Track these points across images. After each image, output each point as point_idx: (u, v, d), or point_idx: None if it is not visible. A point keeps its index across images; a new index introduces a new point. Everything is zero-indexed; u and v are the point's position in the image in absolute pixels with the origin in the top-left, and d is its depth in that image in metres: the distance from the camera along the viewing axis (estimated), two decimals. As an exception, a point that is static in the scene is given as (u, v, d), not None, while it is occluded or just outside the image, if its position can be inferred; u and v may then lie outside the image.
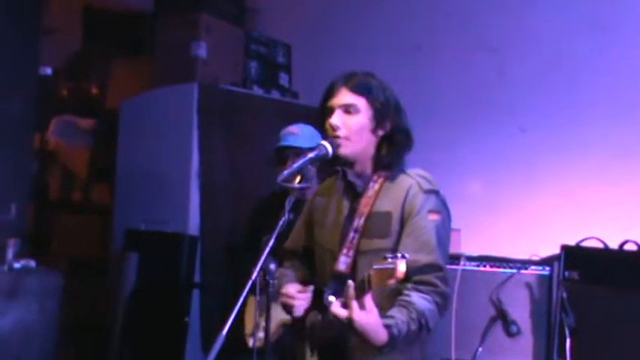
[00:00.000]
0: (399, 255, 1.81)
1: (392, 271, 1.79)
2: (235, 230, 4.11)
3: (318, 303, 2.23)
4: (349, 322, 1.90)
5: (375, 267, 1.86)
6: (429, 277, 2.08)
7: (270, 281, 1.98)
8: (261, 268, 1.96)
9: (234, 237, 4.08)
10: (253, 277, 1.93)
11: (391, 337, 1.95)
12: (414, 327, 2.01)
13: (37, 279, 3.39)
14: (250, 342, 3.25)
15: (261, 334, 3.21)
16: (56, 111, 5.85)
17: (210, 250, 4.22)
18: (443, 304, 2.10)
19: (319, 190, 2.48)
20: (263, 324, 3.20)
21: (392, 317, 1.99)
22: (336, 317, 1.93)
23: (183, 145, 4.34)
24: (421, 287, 2.07)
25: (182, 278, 4.18)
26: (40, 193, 5.55)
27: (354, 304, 1.89)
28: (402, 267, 1.78)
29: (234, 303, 1.91)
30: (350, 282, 1.92)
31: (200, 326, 4.14)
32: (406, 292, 2.06)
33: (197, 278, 4.20)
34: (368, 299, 1.89)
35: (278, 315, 3.26)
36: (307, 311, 2.31)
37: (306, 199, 3.15)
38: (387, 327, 1.95)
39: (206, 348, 4.04)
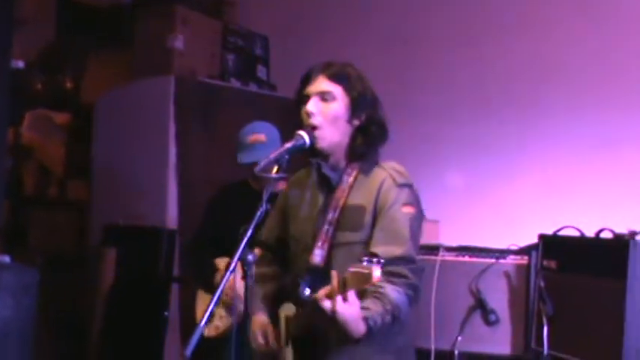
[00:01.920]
0: (374, 260, 1.81)
1: (368, 276, 1.80)
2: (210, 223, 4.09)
3: (293, 295, 2.23)
4: (333, 314, 1.91)
5: (350, 270, 1.86)
6: (402, 269, 2.08)
7: (248, 271, 1.97)
8: (239, 259, 1.94)
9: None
10: (232, 267, 1.91)
11: (368, 328, 1.98)
12: (388, 319, 2.03)
13: (13, 275, 3.33)
14: (205, 331, 3.23)
15: (218, 323, 3.23)
16: (30, 105, 5.77)
17: (186, 244, 4.19)
18: (414, 296, 2.11)
19: (293, 181, 2.45)
20: (222, 313, 3.22)
21: (368, 309, 2.00)
22: (320, 308, 1.93)
23: (160, 138, 4.31)
24: (393, 279, 2.07)
25: (161, 272, 4.16)
26: (15, 188, 5.48)
27: (339, 298, 1.89)
28: (377, 273, 1.79)
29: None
30: (334, 272, 1.92)
31: (179, 320, 4.12)
32: (378, 284, 2.05)
33: (176, 272, 4.18)
34: (351, 293, 1.90)
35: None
36: (280, 302, 2.31)
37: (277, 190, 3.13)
38: (365, 319, 1.97)
39: (185, 342, 4.02)
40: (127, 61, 4.85)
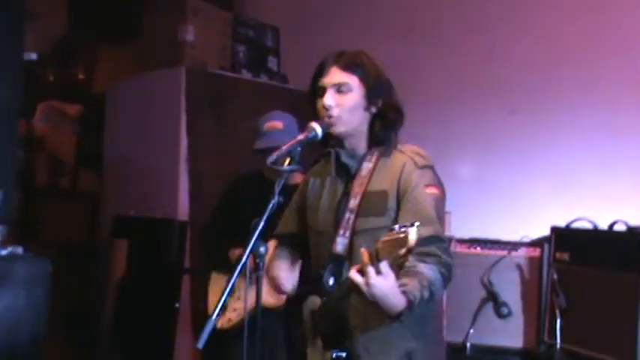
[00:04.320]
0: (408, 224, 1.77)
1: (403, 240, 1.75)
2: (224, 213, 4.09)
3: (317, 287, 2.22)
4: (368, 288, 1.86)
5: (382, 239, 1.82)
6: (432, 249, 2.05)
7: (260, 264, 1.96)
8: (251, 251, 1.94)
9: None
10: (243, 259, 1.91)
11: (409, 302, 1.92)
12: (426, 294, 1.98)
13: (25, 266, 3.35)
14: (219, 323, 3.24)
15: (231, 315, 3.23)
16: (42, 97, 5.79)
17: (200, 235, 4.20)
18: (447, 274, 2.07)
19: (312, 172, 2.43)
20: (236, 305, 3.23)
21: (405, 284, 1.95)
22: (354, 284, 1.88)
23: (171, 130, 4.31)
24: (425, 258, 2.04)
25: (172, 264, 4.16)
26: (27, 179, 5.51)
27: (371, 270, 1.85)
28: (413, 234, 1.74)
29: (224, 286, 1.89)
30: (363, 249, 1.89)
31: (190, 311, 4.13)
32: (410, 263, 2.02)
33: (187, 264, 4.18)
34: (384, 264, 1.85)
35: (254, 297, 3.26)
36: (305, 297, 2.30)
37: (292, 182, 3.14)
38: (404, 293, 1.92)
39: (196, 333, 4.03)
40: (137, 53, 4.85)
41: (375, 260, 1.84)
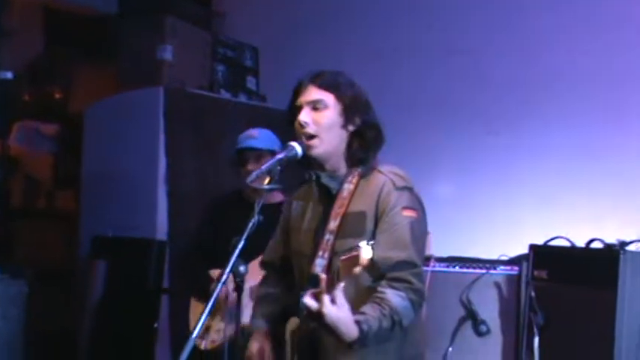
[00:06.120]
0: (365, 242, 1.78)
1: (357, 258, 1.76)
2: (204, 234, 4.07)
3: (297, 308, 2.20)
4: (320, 316, 1.86)
5: (342, 258, 1.84)
6: (404, 274, 2.06)
7: (240, 284, 1.96)
8: (230, 271, 1.93)
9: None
10: (223, 279, 1.90)
11: (361, 332, 1.92)
12: (386, 324, 1.98)
13: (0, 287, 3.32)
14: (202, 344, 3.23)
15: (215, 337, 3.22)
16: (18, 116, 5.74)
17: (179, 255, 4.17)
18: (418, 300, 2.08)
19: (296, 195, 2.43)
20: (219, 326, 3.21)
21: (363, 313, 1.97)
22: (307, 310, 1.89)
23: (149, 149, 4.30)
24: (395, 284, 2.04)
25: (151, 284, 4.13)
26: (2, 200, 5.44)
27: (325, 298, 1.85)
28: (365, 253, 1.75)
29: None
30: (322, 275, 1.90)
31: (169, 332, 4.09)
32: (380, 289, 2.03)
33: (166, 283, 4.15)
34: (339, 294, 1.86)
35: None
36: (288, 318, 2.29)
37: (272, 202, 3.14)
38: (357, 322, 1.92)
39: (176, 353, 4.00)
40: (115, 72, 4.83)
41: (336, 279, 1.85)
